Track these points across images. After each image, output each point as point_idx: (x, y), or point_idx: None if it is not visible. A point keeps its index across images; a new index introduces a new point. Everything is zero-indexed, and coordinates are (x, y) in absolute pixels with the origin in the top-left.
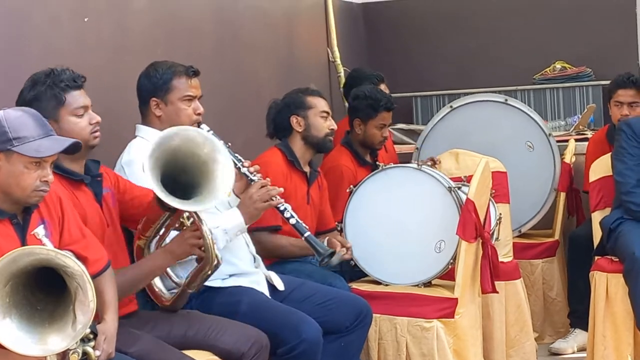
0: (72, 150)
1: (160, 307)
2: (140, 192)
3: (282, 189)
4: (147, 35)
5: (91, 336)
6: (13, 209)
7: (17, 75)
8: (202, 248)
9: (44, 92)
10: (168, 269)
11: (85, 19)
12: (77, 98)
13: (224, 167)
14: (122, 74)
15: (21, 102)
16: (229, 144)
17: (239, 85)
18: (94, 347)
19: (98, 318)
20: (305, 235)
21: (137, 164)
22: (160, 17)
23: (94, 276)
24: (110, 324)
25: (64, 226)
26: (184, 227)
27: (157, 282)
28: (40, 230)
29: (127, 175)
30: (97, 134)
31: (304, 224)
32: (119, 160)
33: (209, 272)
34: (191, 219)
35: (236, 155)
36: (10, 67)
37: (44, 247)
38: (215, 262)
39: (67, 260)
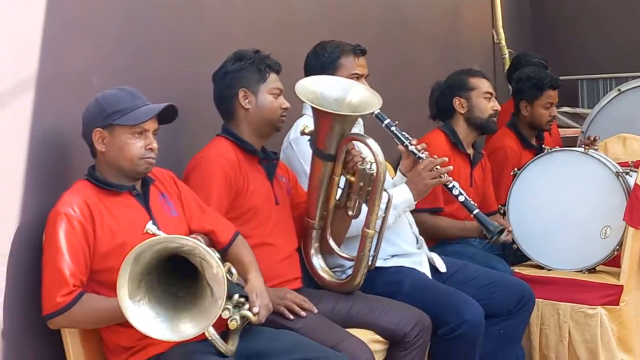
0: (169, 115)
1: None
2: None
3: (450, 167)
4: (313, 19)
5: (242, 300)
6: (129, 183)
7: (191, 56)
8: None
9: (250, 65)
10: (335, 247)
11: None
12: (275, 80)
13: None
14: (289, 56)
15: (222, 73)
16: (396, 122)
17: (403, 68)
18: (249, 309)
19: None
20: (475, 212)
21: (305, 142)
22: (328, 1)
23: (227, 246)
24: (255, 281)
25: (183, 202)
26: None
27: (320, 263)
28: (151, 226)
29: (295, 151)
30: (284, 119)
31: (472, 202)
32: (287, 137)
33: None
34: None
35: (403, 133)
36: (184, 47)
37: (156, 237)
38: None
39: (181, 240)
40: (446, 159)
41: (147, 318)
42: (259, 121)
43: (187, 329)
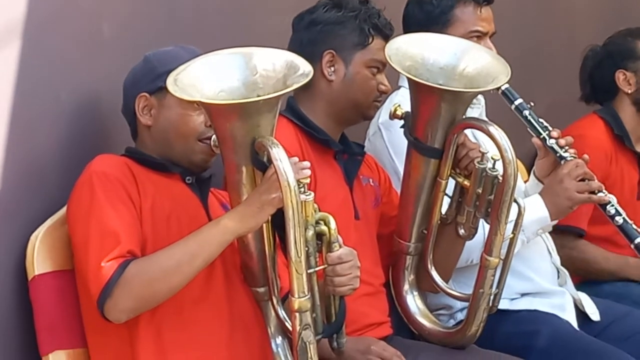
0: None
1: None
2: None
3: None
4: None
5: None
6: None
7: None
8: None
9: (350, 20)
10: (439, 281)
11: None
12: (380, 49)
13: None
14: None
15: (308, 20)
16: (531, 103)
17: (545, 25)
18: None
19: None
20: (637, 241)
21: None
22: None
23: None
24: None
25: None
26: None
27: (417, 303)
28: None
29: (385, 139)
30: (378, 104)
31: (634, 226)
32: (374, 120)
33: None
34: None
35: (541, 120)
36: None
37: None
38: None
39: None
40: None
41: None
42: (343, 101)
43: None
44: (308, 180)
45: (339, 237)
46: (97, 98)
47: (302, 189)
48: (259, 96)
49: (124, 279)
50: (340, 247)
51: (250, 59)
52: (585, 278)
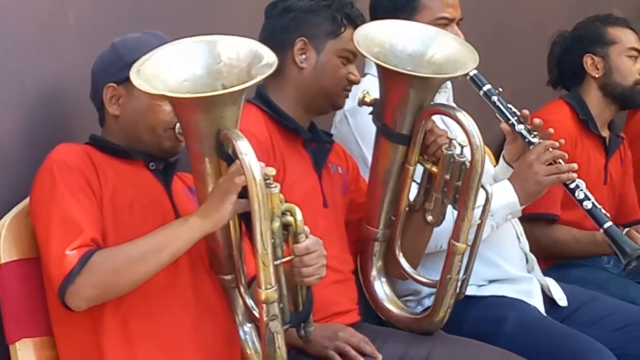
0: None
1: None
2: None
3: (575, 166)
4: None
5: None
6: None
7: None
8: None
9: (324, 9)
10: (407, 267)
11: None
12: (350, 40)
13: None
14: None
15: (282, 8)
16: (500, 89)
17: (511, 10)
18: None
19: None
20: (606, 226)
21: (367, 114)
22: None
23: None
24: None
25: None
26: None
27: (385, 290)
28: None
29: (351, 126)
30: (348, 94)
31: (603, 211)
32: (343, 108)
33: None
34: None
35: (509, 105)
36: None
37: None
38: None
39: None
40: (562, 141)
41: None
42: (313, 89)
43: None
44: (274, 172)
45: (305, 227)
46: (62, 86)
47: (268, 181)
48: (223, 85)
49: (89, 267)
50: (306, 237)
51: (214, 47)
52: (553, 262)
